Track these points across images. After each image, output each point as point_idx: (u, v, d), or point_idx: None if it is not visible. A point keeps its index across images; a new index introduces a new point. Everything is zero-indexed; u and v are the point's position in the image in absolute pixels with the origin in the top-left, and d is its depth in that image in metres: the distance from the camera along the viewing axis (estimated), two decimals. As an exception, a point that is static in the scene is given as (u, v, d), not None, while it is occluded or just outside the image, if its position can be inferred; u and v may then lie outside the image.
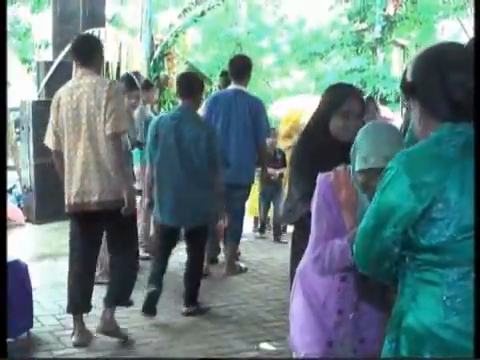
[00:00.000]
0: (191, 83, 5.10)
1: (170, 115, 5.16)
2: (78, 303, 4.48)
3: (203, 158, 4.89)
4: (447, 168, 1.72)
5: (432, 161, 1.73)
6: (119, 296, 4.54)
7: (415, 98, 1.85)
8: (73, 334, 4.42)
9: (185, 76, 5.42)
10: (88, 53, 4.39)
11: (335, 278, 2.60)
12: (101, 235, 4.55)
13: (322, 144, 2.82)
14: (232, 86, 6.12)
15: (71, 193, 4.35)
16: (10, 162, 9.02)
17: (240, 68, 6.14)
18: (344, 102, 2.90)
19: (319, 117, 2.99)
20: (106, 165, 4.23)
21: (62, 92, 4.41)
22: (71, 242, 4.61)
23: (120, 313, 5.00)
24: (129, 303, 4.72)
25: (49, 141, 4.51)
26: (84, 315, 4.50)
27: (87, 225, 4.43)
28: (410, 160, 1.76)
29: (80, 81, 4.32)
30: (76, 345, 4.35)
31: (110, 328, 4.43)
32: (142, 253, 6.54)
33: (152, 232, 6.59)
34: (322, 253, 2.55)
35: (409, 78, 1.85)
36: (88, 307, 4.50)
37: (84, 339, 4.40)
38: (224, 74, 7.01)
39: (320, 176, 2.62)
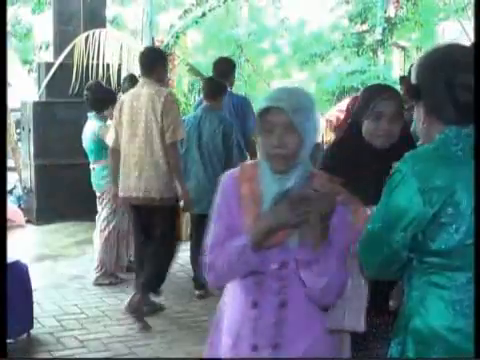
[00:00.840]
0: (215, 86, 5.58)
1: (193, 115, 5.67)
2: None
3: (220, 152, 5.39)
4: (456, 172, 1.70)
5: (440, 164, 1.71)
6: (147, 285, 4.87)
7: (419, 100, 1.82)
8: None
9: (210, 81, 5.81)
10: (150, 65, 4.88)
11: (246, 304, 2.13)
12: (146, 225, 4.94)
13: (355, 149, 2.58)
14: None
15: (122, 187, 4.89)
16: (11, 163, 9.02)
17: (224, 70, 6.22)
18: (373, 103, 2.62)
19: (352, 120, 2.78)
20: (157, 167, 4.76)
21: (126, 98, 4.97)
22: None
23: (118, 314, 5.01)
24: (158, 293, 5.07)
25: (109, 139, 5.01)
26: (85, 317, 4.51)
27: (134, 214, 4.98)
28: (418, 163, 1.73)
29: (141, 90, 4.84)
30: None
31: (134, 312, 4.77)
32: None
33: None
34: (217, 259, 2.13)
35: (414, 81, 1.82)
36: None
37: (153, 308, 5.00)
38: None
39: (225, 173, 2.24)
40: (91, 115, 5.81)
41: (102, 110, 5.75)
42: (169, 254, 4.99)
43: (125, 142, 4.84)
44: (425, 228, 1.71)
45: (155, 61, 4.90)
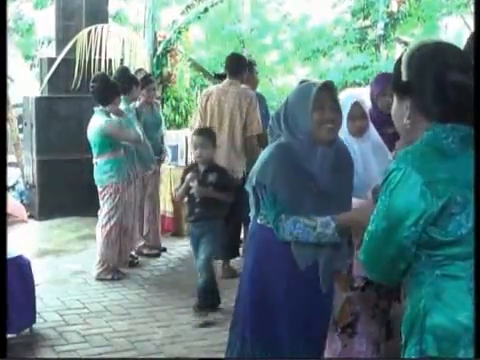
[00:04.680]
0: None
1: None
2: None
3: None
4: (454, 163, 1.72)
5: (439, 157, 1.73)
6: (224, 253, 5.68)
7: (407, 97, 1.83)
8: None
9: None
10: (236, 69, 5.86)
11: None
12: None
13: None
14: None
15: None
16: (13, 158, 9.03)
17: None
18: None
19: None
20: (236, 152, 5.71)
21: (213, 91, 5.91)
22: None
23: (120, 309, 5.03)
24: (233, 255, 5.94)
25: (195, 124, 6.03)
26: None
27: None
28: (416, 159, 1.74)
29: (228, 88, 5.79)
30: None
31: (229, 274, 5.72)
32: (148, 251, 6.56)
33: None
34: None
35: (404, 77, 1.82)
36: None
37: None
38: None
39: None
40: (97, 110, 5.80)
41: (107, 102, 5.74)
42: (237, 224, 5.96)
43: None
44: (435, 220, 1.72)
45: (240, 66, 5.91)
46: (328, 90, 2.90)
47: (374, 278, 1.91)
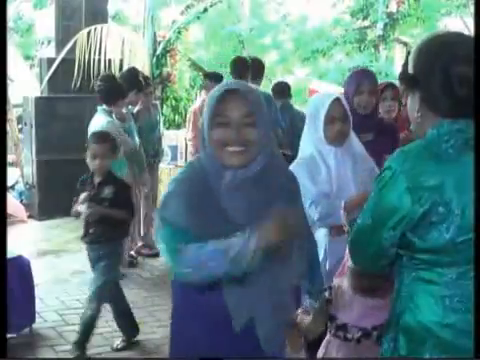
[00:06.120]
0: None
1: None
2: None
3: None
4: (446, 170, 1.68)
5: (431, 162, 1.69)
6: None
7: (415, 90, 1.79)
8: None
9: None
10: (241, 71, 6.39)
11: None
12: None
13: None
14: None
15: None
16: (13, 158, 9.03)
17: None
18: None
19: None
20: None
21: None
22: None
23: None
24: None
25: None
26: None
27: None
28: (408, 161, 1.71)
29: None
30: None
31: None
32: (148, 251, 6.56)
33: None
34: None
35: (411, 70, 1.79)
36: None
37: None
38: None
39: None
40: (100, 109, 5.75)
41: (111, 102, 5.72)
42: None
43: None
44: (414, 226, 1.70)
45: (244, 69, 6.45)
46: (234, 96, 1.98)
47: (360, 267, 1.98)
